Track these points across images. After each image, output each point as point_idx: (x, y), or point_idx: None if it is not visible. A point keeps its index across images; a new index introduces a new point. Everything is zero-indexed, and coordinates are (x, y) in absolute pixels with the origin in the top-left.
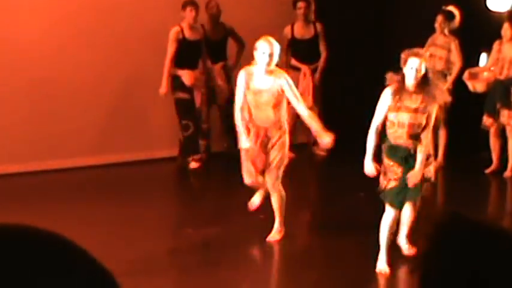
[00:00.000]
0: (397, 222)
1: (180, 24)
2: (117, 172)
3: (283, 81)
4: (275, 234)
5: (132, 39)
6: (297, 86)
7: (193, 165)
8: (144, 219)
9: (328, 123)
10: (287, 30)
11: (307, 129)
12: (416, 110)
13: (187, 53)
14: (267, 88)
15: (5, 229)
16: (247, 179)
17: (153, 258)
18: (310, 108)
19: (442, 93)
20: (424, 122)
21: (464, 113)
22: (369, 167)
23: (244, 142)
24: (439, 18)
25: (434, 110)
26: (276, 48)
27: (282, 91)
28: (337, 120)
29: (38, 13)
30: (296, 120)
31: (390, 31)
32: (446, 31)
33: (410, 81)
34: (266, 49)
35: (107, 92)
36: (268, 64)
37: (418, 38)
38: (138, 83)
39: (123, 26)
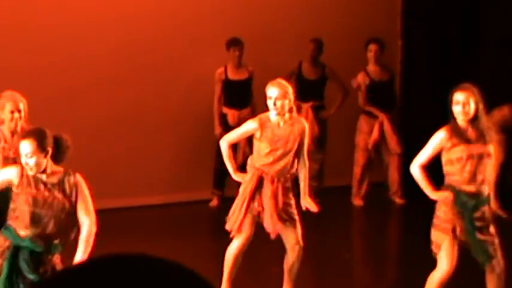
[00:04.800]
0: None
1: (226, 64)
2: (199, 209)
3: None
4: None
5: (203, 80)
6: (370, 133)
7: (212, 203)
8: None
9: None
10: (363, 76)
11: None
12: (476, 141)
13: (232, 93)
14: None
15: (130, 259)
16: None
17: None
18: (399, 155)
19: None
20: (488, 153)
21: None
22: (437, 194)
23: None
24: None
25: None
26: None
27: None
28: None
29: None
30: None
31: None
32: None
33: (459, 117)
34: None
35: (185, 127)
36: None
37: None
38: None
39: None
